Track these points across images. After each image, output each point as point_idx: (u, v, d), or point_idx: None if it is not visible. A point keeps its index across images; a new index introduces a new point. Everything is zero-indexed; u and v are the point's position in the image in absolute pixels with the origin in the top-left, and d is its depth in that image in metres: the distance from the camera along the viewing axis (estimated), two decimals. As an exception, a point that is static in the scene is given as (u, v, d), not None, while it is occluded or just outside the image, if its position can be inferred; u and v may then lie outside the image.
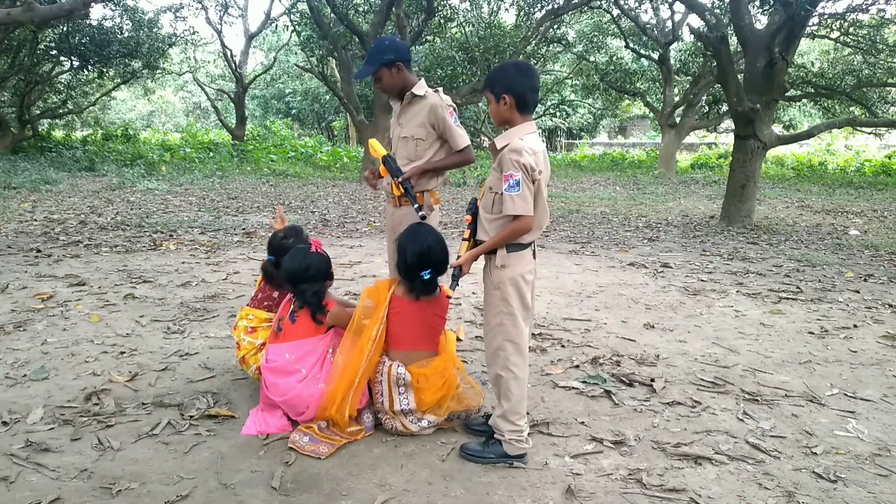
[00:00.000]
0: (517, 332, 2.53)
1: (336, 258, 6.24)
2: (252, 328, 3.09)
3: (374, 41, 3.05)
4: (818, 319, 4.74)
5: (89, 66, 17.85)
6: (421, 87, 3.13)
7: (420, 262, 2.69)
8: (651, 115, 23.52)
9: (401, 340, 2.77)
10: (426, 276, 2.68)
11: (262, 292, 3.21)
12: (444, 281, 2.78)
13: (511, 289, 2.51)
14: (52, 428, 2.76)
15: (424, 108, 3.09)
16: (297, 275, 2.85)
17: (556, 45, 19.44)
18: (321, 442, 2.64)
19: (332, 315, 2.83)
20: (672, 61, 18.92)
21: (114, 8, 17.06)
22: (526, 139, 2.46)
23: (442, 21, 16.05)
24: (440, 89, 3.20)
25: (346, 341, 2.77)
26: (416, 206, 2.97)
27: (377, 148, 3.17)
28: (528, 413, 2.74)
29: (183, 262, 6.09)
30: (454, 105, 3.16)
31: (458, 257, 2.61)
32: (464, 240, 2.65)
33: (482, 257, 2.62)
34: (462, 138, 3.11)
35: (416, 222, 2.93)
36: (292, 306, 2.88)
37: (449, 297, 2.63)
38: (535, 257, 2.62)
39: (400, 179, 3.01)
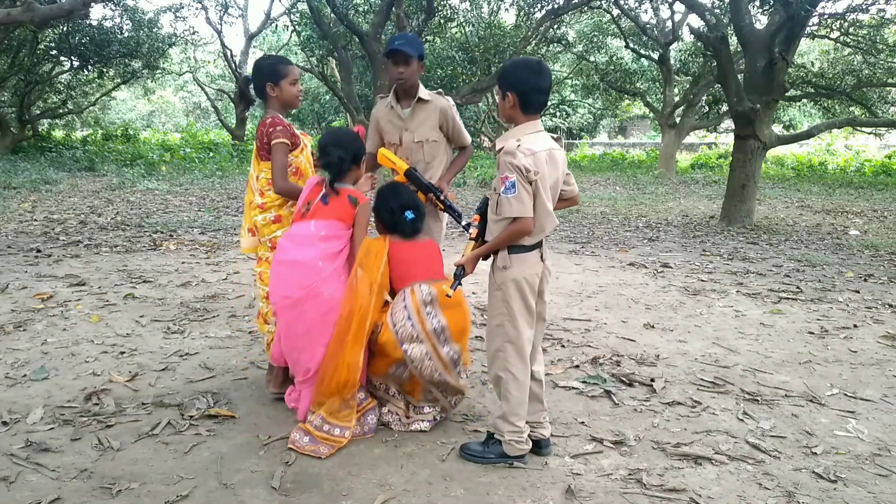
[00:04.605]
0: (517, 334, 2.52)
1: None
2: (261, 205, 3.12)
3: (390, 37, 3.26)
4: (818, 319, 4.74)
5: (89, 66, 17.86)
6: (424, 91, 3.19)
7: (402, 205, 2.84)
8: (651, 115, 23.51)
9: (411, 276, 2.78)
10: (410, 216, 2.82)
11: (259, 142, 3.05)
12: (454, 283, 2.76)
13: (513, 290, 2.50)
14: (52, 428, 2.76)
15: (434, 111, 3.16)
16: (327, 143, 2.86)
17: (556, 45, 19.46)
18: (321, 442, 2.64)
19: (361, 208, 2.82)
20: (672, 61, 18.90)
21: (114, 8, 17.07)
22: (524, 139, 2.43)
23: (442, 21, 16.06)
24: (441, 91, 3.26)
25: (349, 290, 2.68)
26: (459, 220, 3.00)
27: (395, 161, 3.10)
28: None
29: (183, 262, 6.09)
30: (454, 104, 3.25)
31: (462, 256, 2.59)
32: (471, 239, 2.62)
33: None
34: (467, 135, 3.30)
35: (386, 183, 3.01)
36: (324, 189, 2.85)
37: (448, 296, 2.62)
38: (543, 260, 2.58)
39: (443, 198, 3.05)
